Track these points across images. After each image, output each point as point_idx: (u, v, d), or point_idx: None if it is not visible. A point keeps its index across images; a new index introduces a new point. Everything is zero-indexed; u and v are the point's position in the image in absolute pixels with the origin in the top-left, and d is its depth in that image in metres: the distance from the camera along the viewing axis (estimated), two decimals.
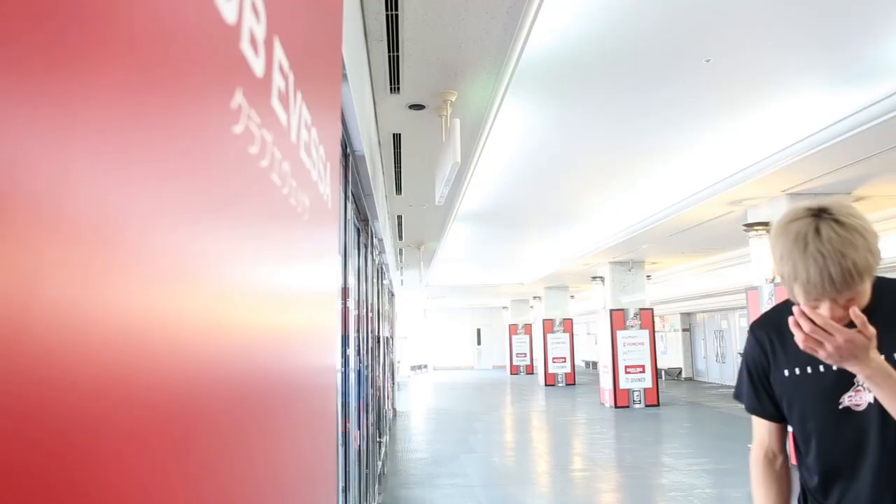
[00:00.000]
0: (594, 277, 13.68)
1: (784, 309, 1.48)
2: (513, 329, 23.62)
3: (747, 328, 1.62)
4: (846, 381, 1.36)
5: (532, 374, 22.86)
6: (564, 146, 6.04)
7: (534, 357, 22.54)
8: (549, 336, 18.15)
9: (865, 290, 1.30)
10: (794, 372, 1.44)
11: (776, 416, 1.52)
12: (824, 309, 1.28)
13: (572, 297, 19.69)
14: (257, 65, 0.65)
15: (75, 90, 0.30)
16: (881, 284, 1.38)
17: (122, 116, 0.35)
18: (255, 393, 0.68)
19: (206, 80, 0.49)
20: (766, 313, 1.60)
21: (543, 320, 18.37)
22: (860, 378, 1.30)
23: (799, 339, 1.29)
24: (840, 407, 1.37)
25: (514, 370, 23.31)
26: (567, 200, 8.32)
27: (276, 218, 0.77)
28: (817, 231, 1.25)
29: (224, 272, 0.56)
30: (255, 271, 0.68)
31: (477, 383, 20.25)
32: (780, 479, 1.52)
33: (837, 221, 1.25)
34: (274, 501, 0.76)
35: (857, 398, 1.36)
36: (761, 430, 1.55)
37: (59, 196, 0.29)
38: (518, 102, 4.86)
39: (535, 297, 20.94)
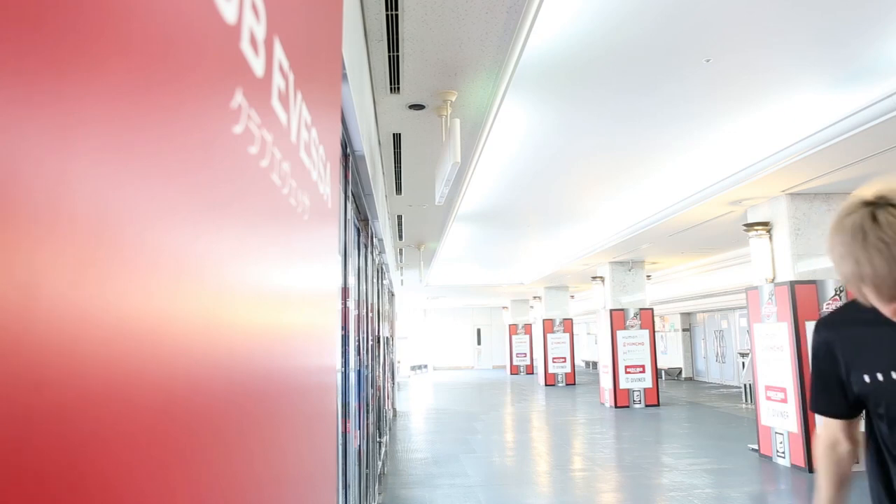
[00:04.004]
0: (594, 277, 13.68)
1: (852, 309, 1.43)
2: (513, 329, 23.62)
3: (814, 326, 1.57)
4: None
5: (532, 374, 22.86)
6: (564, 146, 6.04)
7: (534, 357, 22.54)
8: (549, 336, 18.15)
9: None
10: (878, 378, 1.36)
11: (846, 414, 1.48)
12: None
13: (572, 297, 19.71)
14: (257, 65, 0.65)
15: (75, 90, 0.30)
16: None
17: (121, 116, 0.35)
18: (255, 393, 0.68)
19: (206, 80, 0.49)
20: (833, 314, 1.53)
21: (543, 320, 18.37)
22: None
23: None
24: None
25: (514, 370, 23.31)
26: (567, 200, 8.32)
27: (276, 218, 0.77)
28: (874, 219, 1.15)
29: (224, 272, 0.56)
30: (255, 271, 0.68)
31: (477, 383, 20.25)
32: (841, 462, 1.51)
33: (895, 205, 1.15)
34: (274, 501, 0.76)
35: None
36: (828, 424, 1.52)
37: (58, 196, 0.29)
38: (518, 102, 4.86)
39: (535, 297, 20.95)
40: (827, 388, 1.49)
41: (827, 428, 1.53)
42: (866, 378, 1.37)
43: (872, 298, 1.19)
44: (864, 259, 1.14)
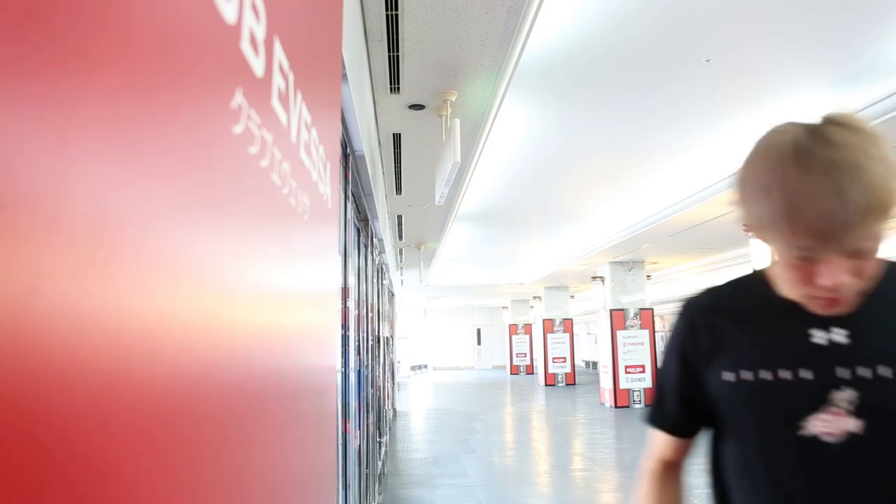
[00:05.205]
0: (594, 277, 13.68)
1: (743, 287, 1.07)
2: (513, 329, 23.62)
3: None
4: (819, 396, 0.90)
5: (532, 374, 22.85)
6: (564, 146, 6.04)
7: (534, 357, 22.53)
8: (549, 336, 18.15)
9: (881, 243, 0.85)
10: (741, 376, 0.96)
11: (685, 430, 1.12)
12: (826, 274, 0.84)
13: (572, 297, 19.69)
14: (257, 65, 0.65)
15: (75, 90, 0.30)
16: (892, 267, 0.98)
17: (122, 116, 0.35)
18: (256, 393, 0.68)
19: (206, 80, 0.49)
20: (717, 290, 1.09)
21: (543, 320, 18.37)
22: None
23: None
24: (803, 433, 0.90)
25: (514, 370, 23.31)
26: (567, 200, 8.32)
27: (276, 218, 0.77)
28: (818, 135, 0.83)
29: (224, 272, 0.56)
30: (256, 271, 0.67)
31: (477, 383, 20.24)
32: (677, 490, 1.17)
33: (846, 126, 0.84)
34: (274, 501, 0.76)
35: (833, 424, 0.89)
36: (663, 444, 1.14)
37: (59, 196, 0.29)
38: (518, 102, 4.86)
39: (535, 297, 20.94)
40: (665, 389, 1.13)
41: (659, 452, 1.16)
42: (728, 376, 0.98)
43: (789, 254, 0.86)
44: (804, 188, 0.80)
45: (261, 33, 0.66)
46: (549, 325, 18.23)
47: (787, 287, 0.94)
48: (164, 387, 0.42)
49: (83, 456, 0.31)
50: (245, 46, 0.60)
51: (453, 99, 4.32)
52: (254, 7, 0.63)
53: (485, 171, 6.66)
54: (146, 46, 0.38)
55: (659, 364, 1.18)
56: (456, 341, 29.47)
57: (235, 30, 0.57)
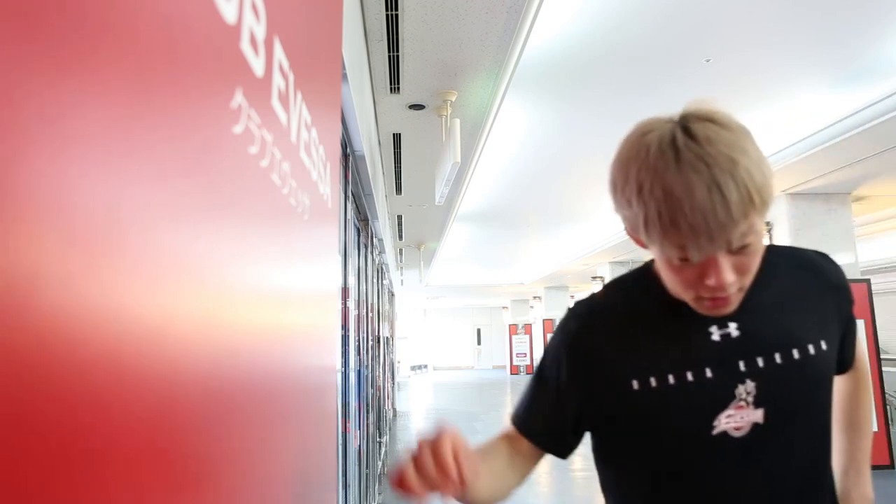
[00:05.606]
0: (594, 277, 13.68)
1: (638, 285, 1.01)
2: (513, 329, 23.62)
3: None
4: (724, 393, 0.89)
5: (532, 374, 22.85)
6: (565, 146, 6.04)
7: (534, 357, 22.54)
8: (549, 336, 18.13)
9: (762, 238, 0.83)
10: (650, 383, 0.91)
11: (556, 448, 1.04)
12: (712, 274, 0.81)
13: (572, 297, 19.71)
14: (257, 65, 0.65)
15: (75, 90, 0.30)
16: (773, 252, 0.97)
17: (122, 116, 0.35)
18: (256, 392, 0.68)
19: (206, 79, 0.49)
20: (611, 293, 1.04)
21: (543, 320, 18.37)
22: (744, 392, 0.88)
23: None
24: (714, 433, 0.88)
25: (515, 370, 23.31)
26: (567, 200, 8.32)
27: (276, 218, 0.77)
28: (688, 132, 0.80)
29: (224, 272, 0.56)
30: (255, 271, 0.67)
31: (477, 383, 20.24)
32: (513, 464, 1.05)
33: (713, 120, 0.82)
34: (274, 501, 0.76)
35: (739, 418, 0.88)
36: (525, 446, 1.06)
37: (60, 196, 0.29)
38: (518, 102, 4.86)
39: (535, 297, 20.95)
40: (551, 404, 1.04)
41: (510, 435, 1.09)
42: (635, 384, 0.92)
43: (671, 256, 0.83)
44: (679, 186, 0.77)
45: (261, 33, 0.66)
46: (549, 325, 18.23)
47: (672, 289, 0.90)
48: (163, 387, 0.42)
49: (83, 455, 0.31)
50: (245, 46, 0.60)
51: (453, 99, 4.33)
52: (254, 7, 0.63)
53: (485, 171, 6.66)
54: (146, 46, 0.38)
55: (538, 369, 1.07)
56: (456, 341, 29.46)
57: (235, 30, 0.57)
